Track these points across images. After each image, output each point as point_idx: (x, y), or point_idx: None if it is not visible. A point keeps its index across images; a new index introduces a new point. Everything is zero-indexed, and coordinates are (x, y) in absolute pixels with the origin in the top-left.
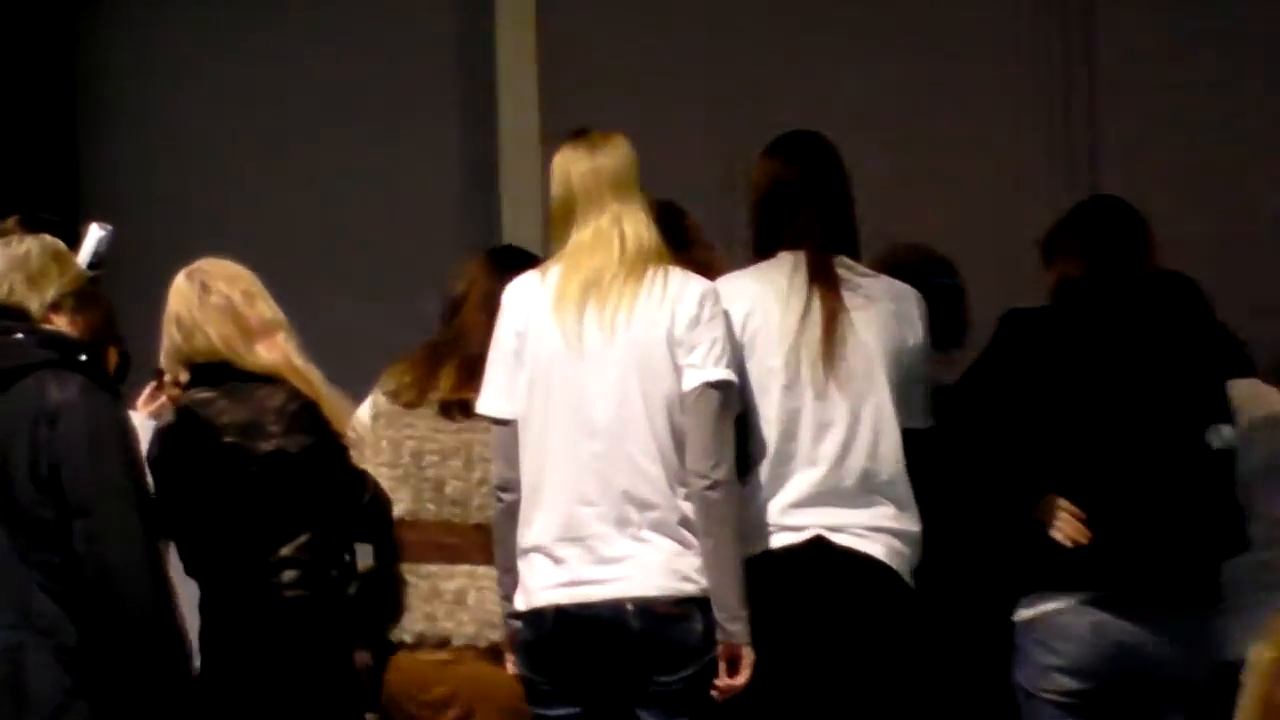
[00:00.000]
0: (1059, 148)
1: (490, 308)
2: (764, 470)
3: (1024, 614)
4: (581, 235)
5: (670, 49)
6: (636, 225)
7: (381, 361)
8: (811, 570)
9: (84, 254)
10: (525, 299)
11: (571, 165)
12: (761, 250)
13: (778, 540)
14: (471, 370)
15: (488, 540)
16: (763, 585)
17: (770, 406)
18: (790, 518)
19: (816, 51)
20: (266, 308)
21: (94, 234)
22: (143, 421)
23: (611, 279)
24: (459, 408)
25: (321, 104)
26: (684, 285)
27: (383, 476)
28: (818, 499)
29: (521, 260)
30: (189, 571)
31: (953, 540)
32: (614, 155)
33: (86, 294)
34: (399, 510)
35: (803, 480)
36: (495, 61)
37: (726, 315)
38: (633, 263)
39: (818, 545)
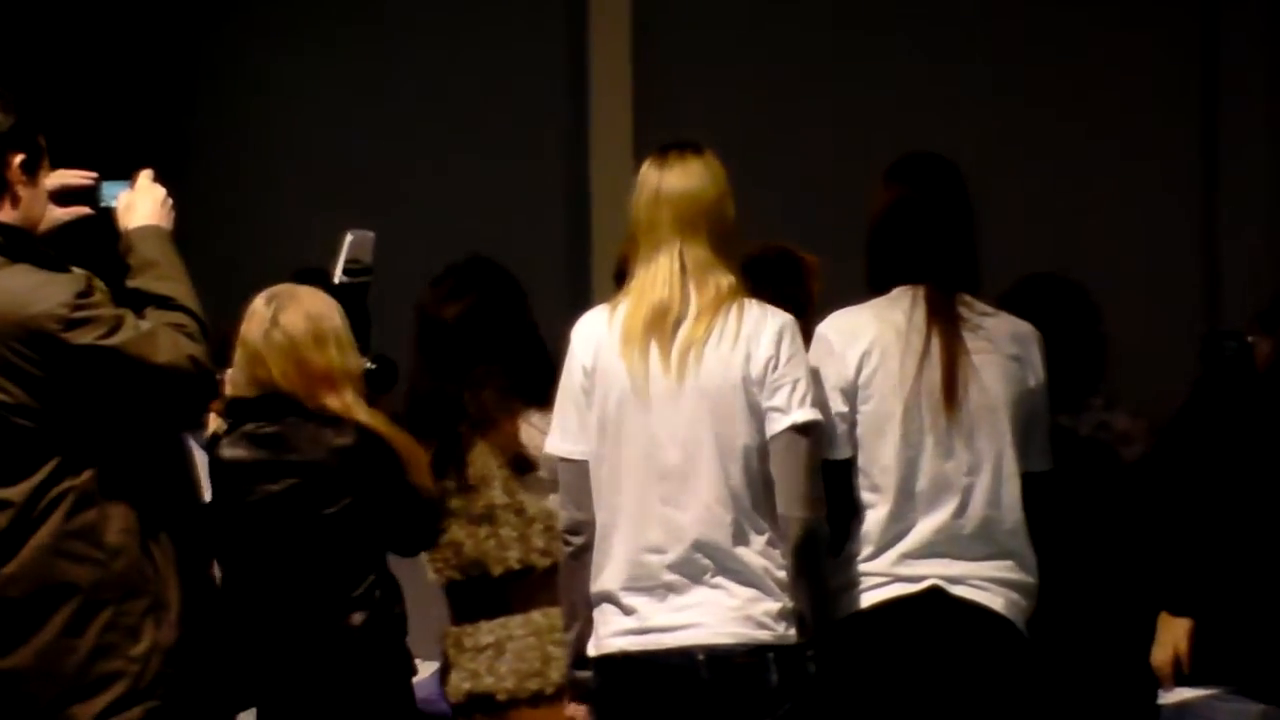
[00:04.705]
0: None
1: None
2: (878, 518)
3: (1176, 697)
4: (645, 270)
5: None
6: (700, 260)
7: None
8: (928, 623)
9: (338, 264)
10: (594, 335)
11: (644, 184)
12: (876, 281)
13: (892, 590)
14: None
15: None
16: (877, 638)
17: (887, 453)
18: (906, 568)
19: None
20: (336, 354)
21: (346, 241)
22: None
23: (675, 319)
24: None
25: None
26: (759, 322)
27: None
28: (935, 549)
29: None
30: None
31: (1071, 590)
32: (686, 179)
33: None
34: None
35: (921, 529)
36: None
37: (805, 351)
38: (696, 301)
39: (935, 596)
